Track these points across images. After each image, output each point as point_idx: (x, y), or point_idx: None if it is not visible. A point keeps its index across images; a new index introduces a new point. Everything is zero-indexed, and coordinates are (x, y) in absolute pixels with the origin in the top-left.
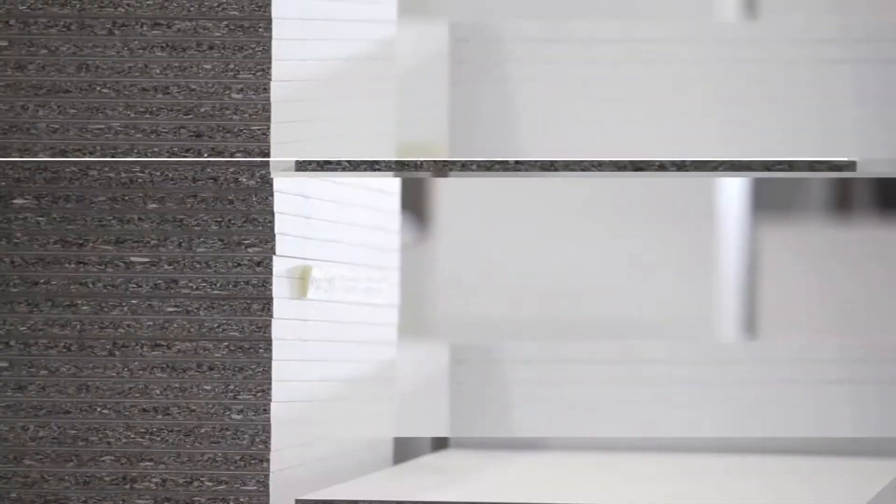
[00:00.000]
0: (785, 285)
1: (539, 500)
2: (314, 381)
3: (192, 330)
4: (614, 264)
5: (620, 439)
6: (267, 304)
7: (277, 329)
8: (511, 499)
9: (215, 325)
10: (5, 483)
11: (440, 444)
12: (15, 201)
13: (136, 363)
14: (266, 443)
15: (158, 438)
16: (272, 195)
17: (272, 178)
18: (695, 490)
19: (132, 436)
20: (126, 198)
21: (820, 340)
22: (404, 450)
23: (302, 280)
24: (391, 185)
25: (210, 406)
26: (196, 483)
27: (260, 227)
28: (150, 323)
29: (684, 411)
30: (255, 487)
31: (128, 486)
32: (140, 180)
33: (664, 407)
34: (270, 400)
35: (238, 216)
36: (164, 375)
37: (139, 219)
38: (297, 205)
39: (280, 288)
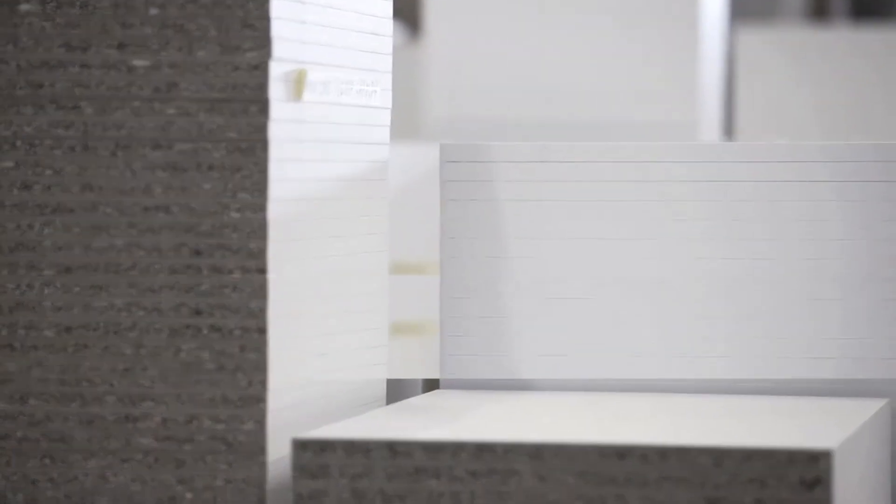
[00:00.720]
0: (765, 89)
1: (527, 437)
2: (310, 181)
3: (191, 131)
4: (600, 69)
5: (610, 380)
6: (264, 106)
7: (274, 130)
8: (501, 437)
9: (214, 127)
10: (11, 423)
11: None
12: (21, 6)
13: (139, 163)
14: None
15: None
16: (269, 0)
17: None
18: (680, 428)
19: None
20: (128, 3)
21: (801, 142)
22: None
23: (298, 83)
24: None
25: (209, 204)
26: (195, 422)
27: (257, 32)
28: (152, 124)
29: (672, 205)
30: (253, 427)
31: (130, 426)
32: None
33: (651, 206)
34: (267, 199)
35: (236, 21)
36: (165, 175)
37: (141, 24)
38: (293, 10)
39: (277, 90)
